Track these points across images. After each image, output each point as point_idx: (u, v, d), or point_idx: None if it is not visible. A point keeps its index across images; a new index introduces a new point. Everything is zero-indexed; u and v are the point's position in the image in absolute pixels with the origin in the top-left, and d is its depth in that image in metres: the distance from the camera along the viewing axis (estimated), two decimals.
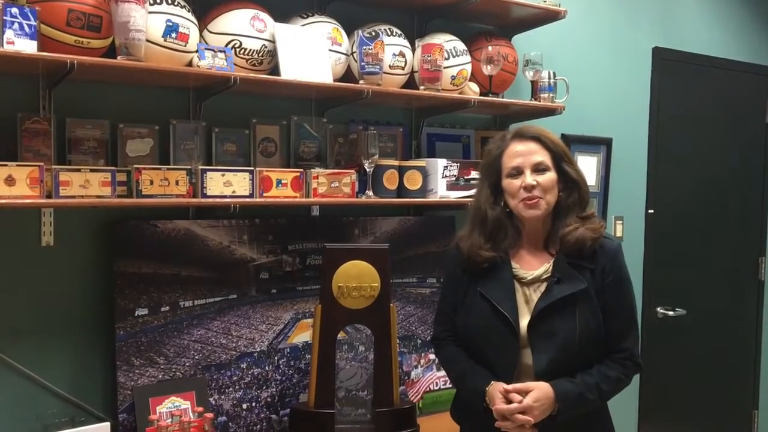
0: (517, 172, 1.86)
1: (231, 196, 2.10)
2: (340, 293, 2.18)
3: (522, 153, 1.87)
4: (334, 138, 2.53)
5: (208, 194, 2.07)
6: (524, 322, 1.84)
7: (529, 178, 1.84)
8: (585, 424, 1.87)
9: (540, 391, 1.77)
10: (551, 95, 2.77)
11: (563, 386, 1.78)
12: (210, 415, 2.09)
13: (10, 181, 1.76)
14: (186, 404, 2.17)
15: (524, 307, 1.86)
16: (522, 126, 1.98)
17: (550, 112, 2.80)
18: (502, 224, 1.92)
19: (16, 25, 1.73)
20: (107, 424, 2.04)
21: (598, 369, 1.83)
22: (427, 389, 2.70)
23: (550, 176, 1.86)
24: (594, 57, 3.31)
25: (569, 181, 1.89)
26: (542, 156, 1.86)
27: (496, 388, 1.81)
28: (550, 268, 1.87)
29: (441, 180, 2.53)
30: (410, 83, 2.54)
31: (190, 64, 2.08)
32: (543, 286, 1.86)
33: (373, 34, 2.30)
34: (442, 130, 2.84)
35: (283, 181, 2.20)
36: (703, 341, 3.84)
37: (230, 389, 2.30)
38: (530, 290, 1.87)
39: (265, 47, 2.19)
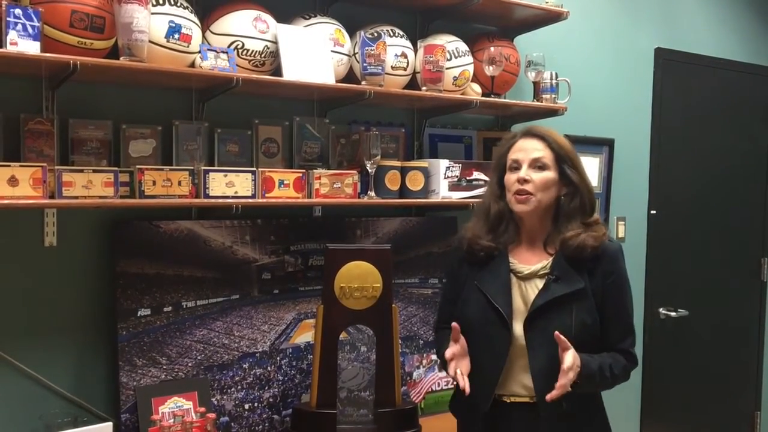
0: (517, 165, 1.90)
1: (233, 197, 2.11)
2: (342, 294, 2.18)
3: (524, 148, 1.90)
4: (336, 139, 2.53)
5: (210, 195, 2.07)
6: (518, 316, 1.86)
7: (524, 172, 1.87)
8: (581, 422, 1.87)
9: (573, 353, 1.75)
10: (553, 96, 2.77)
11: (584, 357, 1.77)
12: (212, 415, 2.09)
13: (13, 181, 1.77)
14: (188, 404, 2.17)
15: (519, 302, 1.88)
16: (533, 124, 2.02)
17: (552, 112, 2.80)
18: (503, 218, 1.95)
19: (19, 26, 1.73)
20: (110, 424, 2.04)
21: (606, 353, 1.85)
22: (429, 390, 2.71)
23: (547, 175, 1.87)
24: (596, 58, 3.31)
25: (570, 185, 1.89)
26: (543, 153, 1.88)
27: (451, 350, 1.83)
28: (548, 265, 1.88)
29: (443, 181, 2.53)
30: (412, 84, 2.54)
31: (192, 65, 2.09)
32: (539, 282, 1.88)
33: (376, 35, 2.30)
34: (444, 130, 2.84)
35: (285, 182, 2.20)
36: (706, 342, 3.83)
37: (232, 389, 2.30)
38: (526, 285, 1.89)
39: (268, 48, 2.19)
